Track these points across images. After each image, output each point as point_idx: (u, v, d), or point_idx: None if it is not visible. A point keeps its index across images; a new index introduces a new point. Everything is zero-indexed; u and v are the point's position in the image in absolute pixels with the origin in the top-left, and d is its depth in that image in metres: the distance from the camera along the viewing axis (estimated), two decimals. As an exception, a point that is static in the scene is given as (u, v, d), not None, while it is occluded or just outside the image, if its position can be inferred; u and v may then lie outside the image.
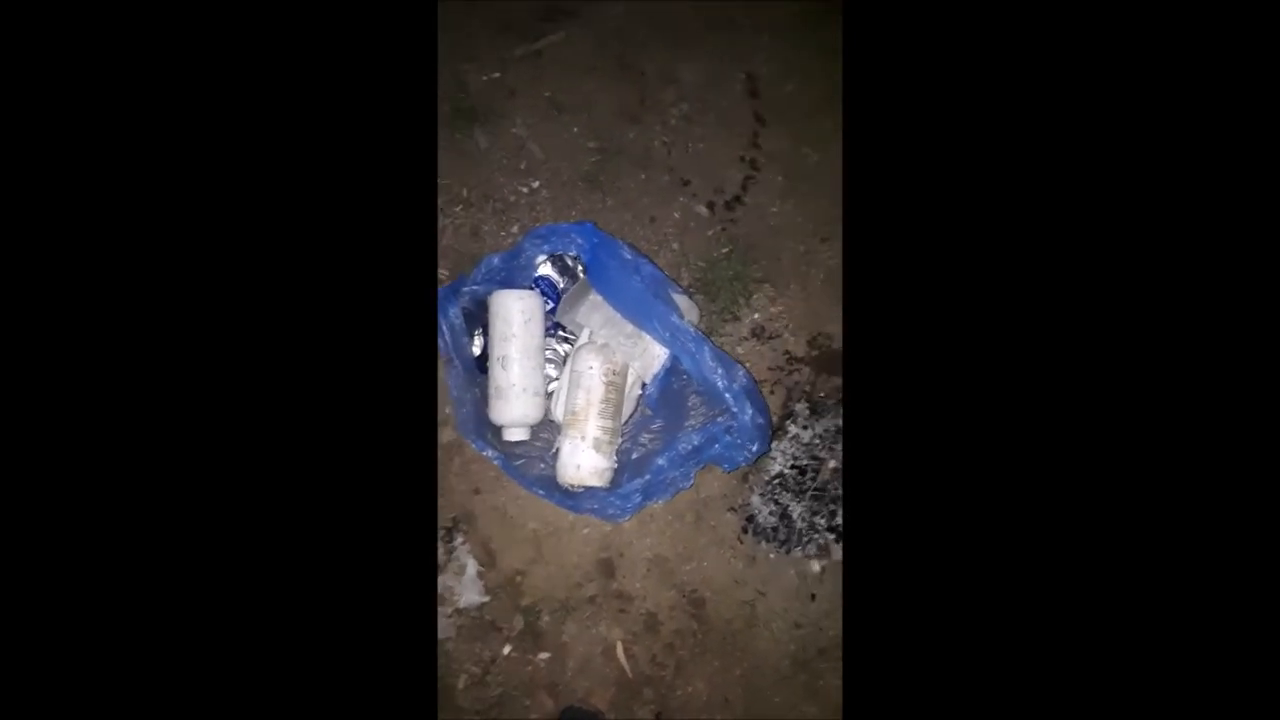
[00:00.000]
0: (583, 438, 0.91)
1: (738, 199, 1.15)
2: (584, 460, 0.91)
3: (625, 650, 0.97)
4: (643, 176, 1.15)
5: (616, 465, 0.94)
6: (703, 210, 1.14)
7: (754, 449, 0.87)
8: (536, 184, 1.13)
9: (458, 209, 1.11)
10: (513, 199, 1.12)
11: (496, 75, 1.18)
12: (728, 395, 0.86)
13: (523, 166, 1.14)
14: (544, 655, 0.96)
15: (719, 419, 0.91)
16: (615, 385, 0.93)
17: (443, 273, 1.08)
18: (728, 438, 0.88)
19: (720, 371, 0.86)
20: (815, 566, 1.01)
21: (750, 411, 0.85)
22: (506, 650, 0.96)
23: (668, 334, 0.88)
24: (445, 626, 0.95)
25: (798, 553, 1.01)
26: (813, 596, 1.00)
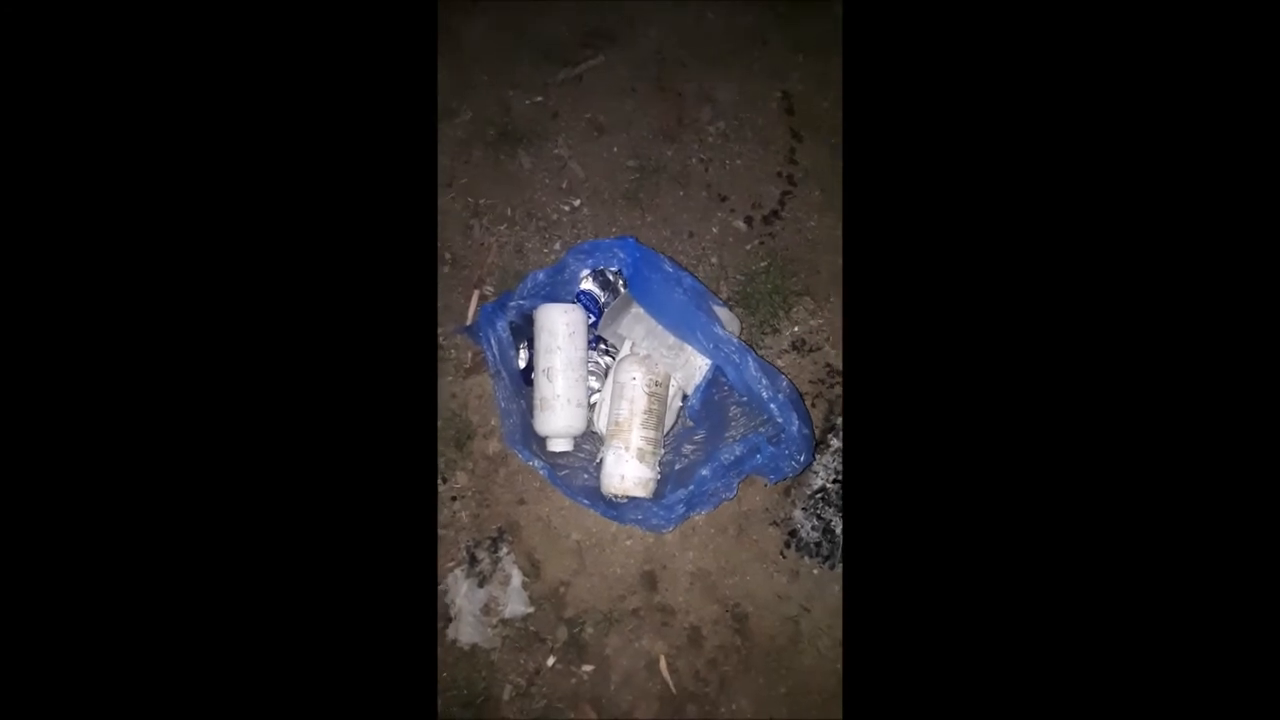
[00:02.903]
0: (626, 448, 0.92)
1: (775, 213, 1.16)
2: (628, 470, 0.91)
3: (668, 665, 0.96)
4: (681, 193, 1.17)
5: (660, 476, 0.95)
6: (741, 225, 1.15)
7: (801, 459, 0.87)
8: (578, 202, 1.16)
9: (502, 227, 1.15)
10: (555, 217, 1.15)
11: (539, 99, 1.23)
12: (773, 406, 0.86)
13: (564, 186, 1.17)
14: (588, 668, 0.96)
15: (760, 429, 0.91)
16: (658, 396, 0.94)
17: (488, 289, 1.11)
18: (770, 448, 0.88)
19: (765, 382, 0.87)
20: (861, 582, 0.99)
21: (797, 422, 0.85)
22: (550, 662, 0.96)
23: (711, 345, 0.89)
24: (491, 638, 0.96)
25: (842, 569, 1.00)
26: (859, 613, 0.98)
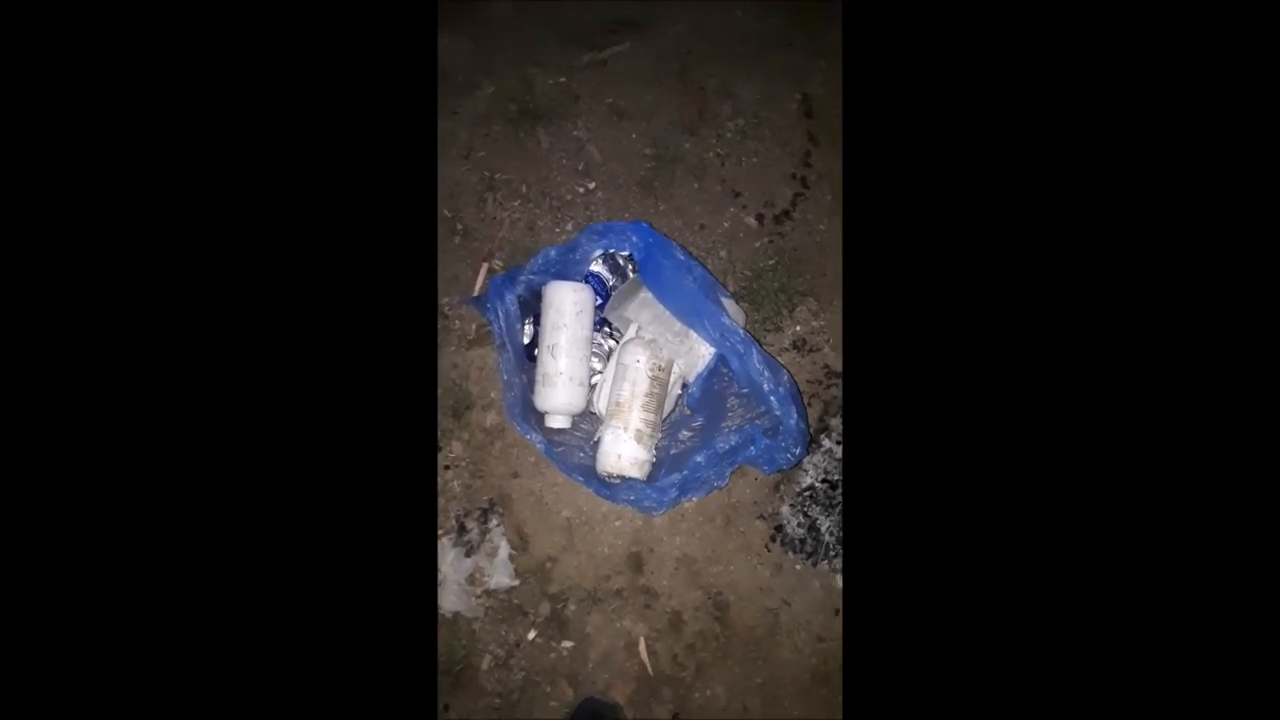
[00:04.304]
0: (625, 428, 0.93)
1: (787, 214, 1.18)
2: (625, 450, 0.92)
3: (647, 647, 0.97)
4: (696, 185, 1.18)
5: (655, 459, 0.96)
6: (752, 222, 1.17)
7: (796, 452, 0.88)
8: (593, 185, 1.17)
9: (516, 203, 1.15)
10: (569, 198, 1.16)
11: (562, 80, 1.23)
12: (773, 398, 0.87)
13: (581, 168, 1.18)
14: (567, 644, 0.97)
15: (757, 421, 0.93)
16: (660, 380, 0.95)
17: (497, 263, 1.11)
18: (765, 440, 0.89)
19: (766, 374, 0.88)
20: (841, 582, 1.01)
21: (795, 415, 0.87)
22: (531, 636, 0.96)
23: (717, 334, 0.90)
24: (474, 607, 0.97)
25: (824, 566, 1.01)
26: (837, 611, 1.00)
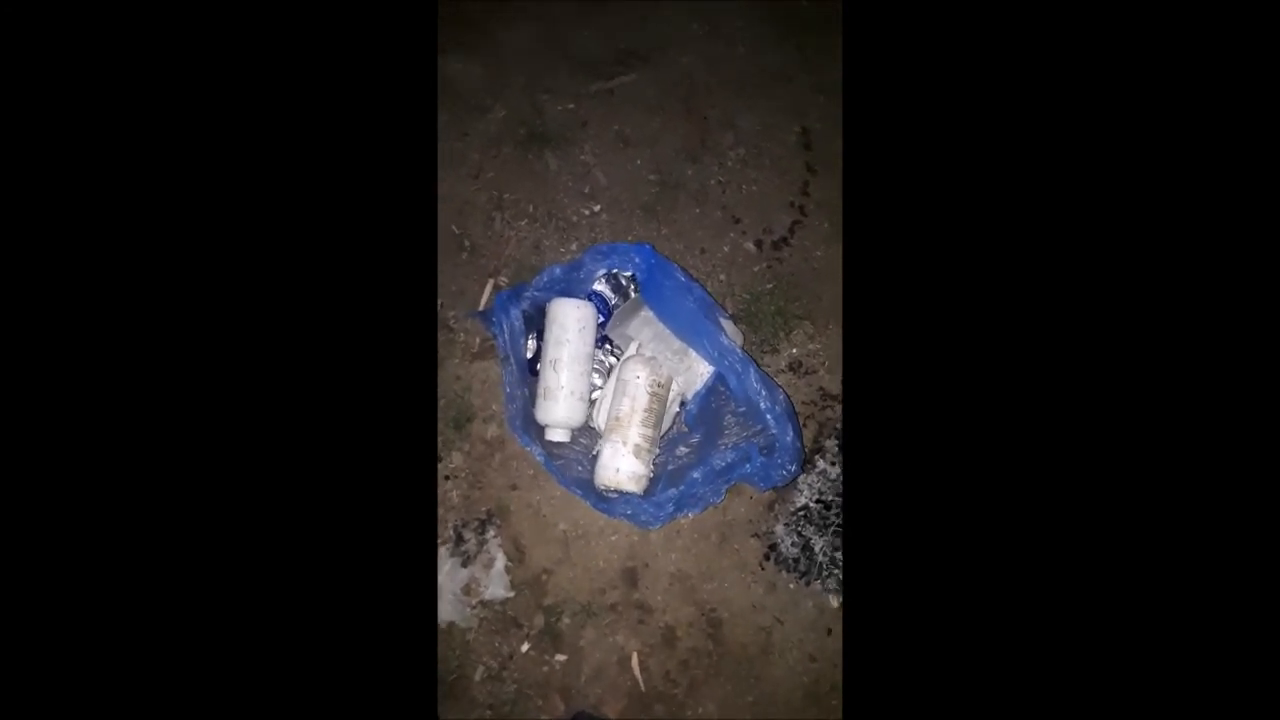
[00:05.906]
0: (624, 443, 0.94)
1: (785, 240, 1.22)
2: (623, 464, 0.94)
3: (640, 662, 0.97)
4: (697, 211, 1.22)
5: (652, 474, 0.97)
6: (751, 247, 1.20)
7: (792, 469, 0.90)
8: (598, 208, 1.21)
9: (523, 223, 1.19)
10: (575, 219, 1.20)
11: (571, 106, 1.28)
12: (769, 416, 0.90)
13: (587, 190, 1.22)
14: (561, 657, 0.97)
15: (753, 439, 0.95)
16: (659, 397, 0.97)
17: (503, 279, 1.14)
18: (761, 458, 0.91)
19: (763, 393, 0.90)
20: (834, 602, 1.02)
21: (791, 434, 0.89)
22: (525, 648, 0.97)
23: (716, 353, 0.93)
24: (468, 617, 0.97)
25: (817, 586, 1.02)
26: (829, 631, 1.01)
